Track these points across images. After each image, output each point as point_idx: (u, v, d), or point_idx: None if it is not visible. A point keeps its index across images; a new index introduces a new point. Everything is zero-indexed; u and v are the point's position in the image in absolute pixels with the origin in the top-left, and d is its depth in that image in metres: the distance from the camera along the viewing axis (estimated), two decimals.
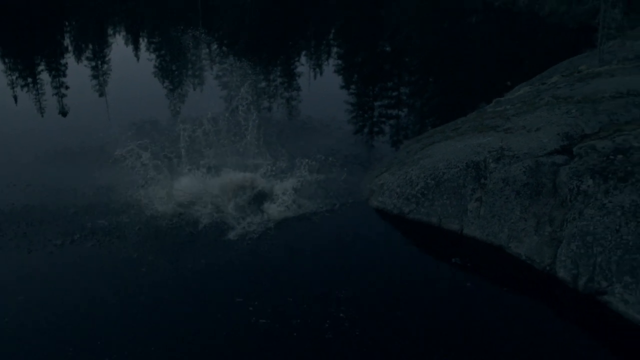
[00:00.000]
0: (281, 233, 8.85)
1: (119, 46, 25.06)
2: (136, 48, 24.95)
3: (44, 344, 6.73)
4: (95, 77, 19.64)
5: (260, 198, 9.66)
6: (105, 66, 21.34)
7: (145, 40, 26.85)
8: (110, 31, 29.06)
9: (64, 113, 15.40)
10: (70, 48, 24.69)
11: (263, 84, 18.15)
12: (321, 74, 21.02)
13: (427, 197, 9.33)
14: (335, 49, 25.38)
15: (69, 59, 22.47)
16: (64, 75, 19.74)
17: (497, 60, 21.76)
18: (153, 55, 22.95)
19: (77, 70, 20.64)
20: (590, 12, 22.11)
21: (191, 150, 10.24)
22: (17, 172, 11.01)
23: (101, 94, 17.55)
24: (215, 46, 24.85)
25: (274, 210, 9.26)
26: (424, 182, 9.47)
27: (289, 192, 9.54)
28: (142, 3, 35.86)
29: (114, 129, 11.72)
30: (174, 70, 21.00)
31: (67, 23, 31.04)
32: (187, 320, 7.07)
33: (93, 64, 21.69)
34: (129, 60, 22.84)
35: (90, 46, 24.81)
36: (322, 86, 19.39)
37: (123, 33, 28.09)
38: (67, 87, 18.04)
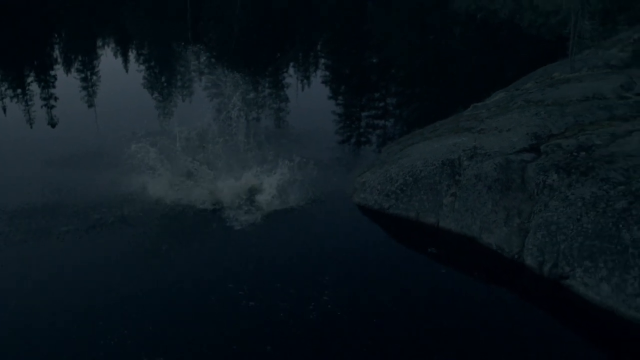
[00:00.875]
0: (269, 224, 9.50)
1: (114, 59, 25.55)
2: (126, 61, 25.42)
3: (45, 327, 7.26)
4: (90, 88, 20.13)
5: (251, 192, 10.32)
6: (97, 78, 21.82)
7: (140, 54, 27.32)
8: (101, 43, 29.55)
9: (68, 122, 15.93)
10: (73, 59, 25.14)
11: (252, 95, 18.75)
12: (309, 84, 21.69)
13: (406, 193, 9.97)
14: (322, 61, 26.09)
15: (70, 70, 22.95)
16: (54, 87, 20.24)
17: (479, 69, 22.58)
18: (153, 70, 23.43)
19: (77, 82, 21.13)
20: (564, 22, 23.02)
21: (188, 148, 10.96)
22: (34, 174, 11.65)
23: (93, 105, 18.05)
24: (205, 57, 25.43)
25: (263, 203, 9.91)
26: (402, 179, 10.11)
27: (277, 188, 10.18)
28: (135, 14, 36.45)
29: (120, 133, 12.37)
30: (170, 81, 21.56)
31: (60, 34, 31.53)
32: (181, 301, 7.65)
33: (85, 75, 22.19)
34: (126, 74, 23.34)
35: (88, 59, 25.25)
36: (309, 96, 20.05)
37: (113, 46, 28.57)
38: (60, 99, 18.52)
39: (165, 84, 21.11)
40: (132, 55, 26.39)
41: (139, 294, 7.84)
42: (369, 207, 10.16)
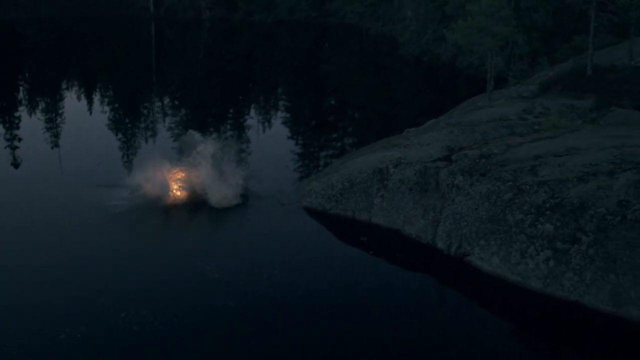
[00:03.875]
0: (229, 220, 11.53)
1: (114, 115, 26.44)
2: (91, 108, 26.19)
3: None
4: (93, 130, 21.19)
5: (220, 195, 12.18)
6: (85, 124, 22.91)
7: (121, 106, 28.35)
8: (66, 86, 30.64)
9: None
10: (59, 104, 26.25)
11: (218, 133, 20.52)
12: (270, 125, 23.60)
13: (344, 196, 12.02)
14: (282, 102, 28.21)
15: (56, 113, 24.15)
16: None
17: (422, 104, 25.19)
18: (140, 125, 24.52)
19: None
20: (497, 64, 25.92)
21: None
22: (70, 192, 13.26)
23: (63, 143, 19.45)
24: (168, 100, 26.94)
25: (227, 202, 11.88)
26: (341, 185, 12.17)
27: (239, 195, 12.16)
28: (103, 61, 38.10)
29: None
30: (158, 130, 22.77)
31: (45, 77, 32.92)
32: (158, 273, 9.47)
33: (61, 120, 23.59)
34: (128, 126, 24.39)
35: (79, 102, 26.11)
36: (269, 132, 22.08)
37: (78, 90, 29.40)
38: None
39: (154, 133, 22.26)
40: (124, 110, 27.23)
41: (117, 268, 9.76)
42: (314, 209, 12.16)
